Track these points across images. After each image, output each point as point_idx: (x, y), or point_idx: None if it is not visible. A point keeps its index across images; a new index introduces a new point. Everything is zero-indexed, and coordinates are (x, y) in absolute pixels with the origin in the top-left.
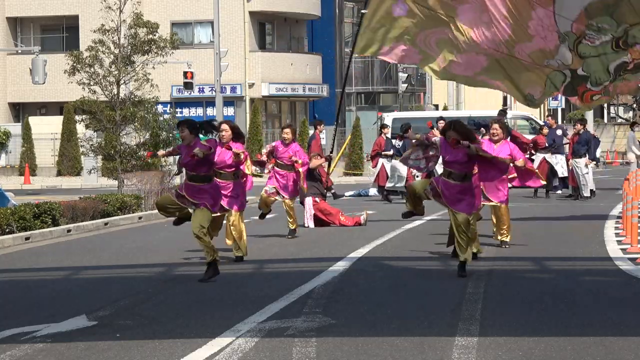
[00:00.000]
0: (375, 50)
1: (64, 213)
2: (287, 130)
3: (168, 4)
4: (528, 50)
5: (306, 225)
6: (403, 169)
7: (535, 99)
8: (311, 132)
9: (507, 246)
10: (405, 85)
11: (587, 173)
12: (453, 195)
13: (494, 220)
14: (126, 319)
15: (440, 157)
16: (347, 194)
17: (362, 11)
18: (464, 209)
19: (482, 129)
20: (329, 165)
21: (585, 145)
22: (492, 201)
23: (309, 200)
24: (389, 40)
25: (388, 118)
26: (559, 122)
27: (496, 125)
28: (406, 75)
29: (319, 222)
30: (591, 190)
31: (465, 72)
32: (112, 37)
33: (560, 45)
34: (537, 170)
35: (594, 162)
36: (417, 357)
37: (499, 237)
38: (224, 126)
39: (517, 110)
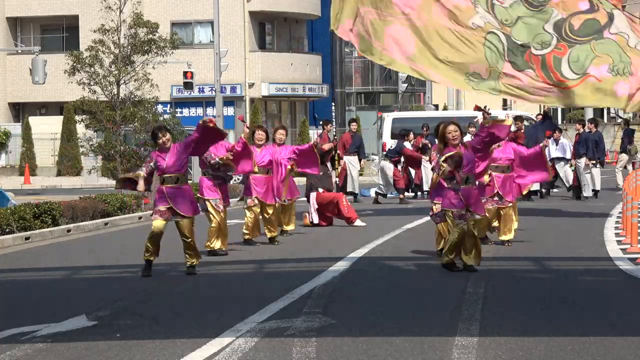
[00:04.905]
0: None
1: (64, 213)
2: (282, 131)
3: (168, 4)
4: (445, 10)
5: (310, 220)
6: (390, 174)
7: (485, 78)
8: (312, 131)
9: (509, 244)
10: (405, 85)
11: (588, 173)
12: (472, 199)
13: (498, 219)
14: (126, 319)
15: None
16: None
17: None
18: (481, 212)
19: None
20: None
21: (584, 145)
22: (506, 201)
23: (313, 195)
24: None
25: (388, 118)
26: (559, 123)
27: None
28: (406, 75)
29: (320, 214)
30: (595, 191)
31: (399, 55)
32: (112, 37)
33: (476, 5)
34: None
35: (592, 162)
36: (417, 357)
37: (503, 237)
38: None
39: (517, 110)
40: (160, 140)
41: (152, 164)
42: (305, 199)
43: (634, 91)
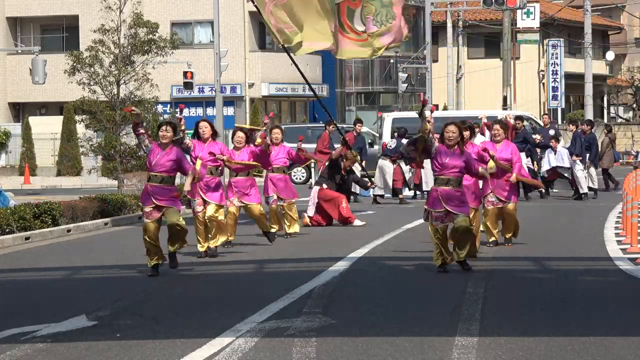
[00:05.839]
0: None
1: (64, 213)
2: (277, 130)
3: (168, 4)
4: None
5: (307, 212)
6: (389, 174)
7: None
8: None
9: (509, 245)
10: (405, 85)
11: (581, 170)
12: (453, 201)
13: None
14: (126, 319)
15: (434, 166)
16: None
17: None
18: (463, 210)
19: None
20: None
21: (574, 144)
22: (501, 201)
23: (315, 189)
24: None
25: (388, 118)
26: (559, 123)
27: (497, 126)
28: (406, 75)
29: (320, 210)
30: (594, 190)
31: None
32: (112, 37)
33: None
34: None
35: (579, 159)
36: (417, 357)
37: (505, 235)
38: (203, 124)
39: (517, 110)
40: (161, 134)
41: (149, 144)
42: (303, 199)
43: (396, 37)
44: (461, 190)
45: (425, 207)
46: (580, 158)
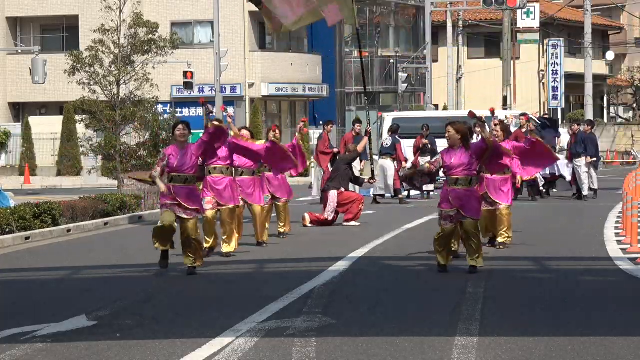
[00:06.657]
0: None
1: (64, 213)
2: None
3: (168, 4)
4: None
5: (326, 216)
6: (390, 173)
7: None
8: (312, 131)
9: (501, 247)
10: (405, 85)
11: (586, 172)
12: (462, 201)
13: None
14: (126, 319)
15: (444, 167)
16: None
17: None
18: (473, 214)
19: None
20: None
21: (582, 145)
22: (496, 202)
23: (333, 193)
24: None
25: (388, 118)
26: (559, 123)
27: (496, 127)
28: (406, 75)
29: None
30: (594, 190)
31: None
32: (112, 37)
33: None
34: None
35: (593, 160)
36: (417, 357)
37: (497, 239)
38: (244, 132)
39: (517, 109)
40: (178, 133)
41: (164, 162)
42: (303, 199)
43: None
44: (471, 190)
45: (438, 208)
46: (594, 159)
